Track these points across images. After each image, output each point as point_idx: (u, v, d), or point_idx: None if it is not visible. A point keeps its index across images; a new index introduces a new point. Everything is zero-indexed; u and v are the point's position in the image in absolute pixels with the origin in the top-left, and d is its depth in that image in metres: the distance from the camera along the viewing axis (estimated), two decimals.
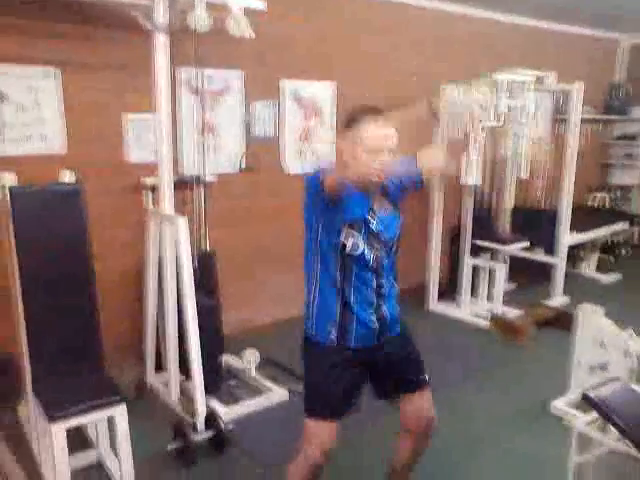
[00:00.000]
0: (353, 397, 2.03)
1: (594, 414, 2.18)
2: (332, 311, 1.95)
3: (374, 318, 1.97)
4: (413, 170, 2.00)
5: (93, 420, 2.48)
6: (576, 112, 4.68)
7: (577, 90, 4.62)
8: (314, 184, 1.80)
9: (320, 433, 1.98)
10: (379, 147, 1.81)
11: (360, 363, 2.01)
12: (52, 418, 2.20)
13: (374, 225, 1.93)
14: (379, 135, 1.82)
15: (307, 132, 4.44)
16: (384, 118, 1.86)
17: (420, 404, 2.11)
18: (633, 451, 1.97)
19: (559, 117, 5.95)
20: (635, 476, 2.15)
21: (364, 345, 1.98)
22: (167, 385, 3.32)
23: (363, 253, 1.91)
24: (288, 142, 4.36)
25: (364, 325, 1.96)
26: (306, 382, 2.07)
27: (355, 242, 1.90)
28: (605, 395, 2.13)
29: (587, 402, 2.15)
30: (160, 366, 3.51)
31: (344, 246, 1.89)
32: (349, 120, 1.89)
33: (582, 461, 2.25)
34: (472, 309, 4.81)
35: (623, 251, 6.39)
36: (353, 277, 1.93)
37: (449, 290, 4.98)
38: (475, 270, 4.81)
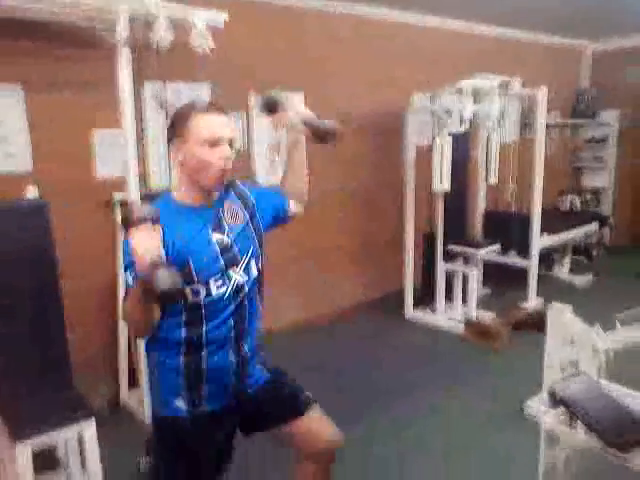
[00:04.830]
0: None
1: (561, 410, 2.20)
2: None
3: None
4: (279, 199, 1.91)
5: (60, 438, 2.41)
6: (541, 116, 4.75)
7: (542, 94, 4.70)
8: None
9: None
10: (215, 136, 1.61)
11: None
12: (17, 437, 2.16)
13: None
14: (213, 123, 1.62)
15: (278, 143, 4.45)
16: (219, 108, 1.67)
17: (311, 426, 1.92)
18: (599, 446, 1.99)
19: (528, 122, 6.05)
20: (604, 471, 2.17)
21: None
22: (141, 402, 3.28)
23: None
24: (258, 154, 4.37)
25: None
26: None
27: None
28: (570, 390, 2.16)
29: (553, 398, 2.17)
30: (135, 383, 3.47)
31: None
32: (174, 123, 1.68)
33: (551, 459, 2.26)
34: (448, 315, 4.83)
35: (595, 252, 6.48)
36: None
37: (425, 296, 5.00)
38: (450, 276, 4.84)
